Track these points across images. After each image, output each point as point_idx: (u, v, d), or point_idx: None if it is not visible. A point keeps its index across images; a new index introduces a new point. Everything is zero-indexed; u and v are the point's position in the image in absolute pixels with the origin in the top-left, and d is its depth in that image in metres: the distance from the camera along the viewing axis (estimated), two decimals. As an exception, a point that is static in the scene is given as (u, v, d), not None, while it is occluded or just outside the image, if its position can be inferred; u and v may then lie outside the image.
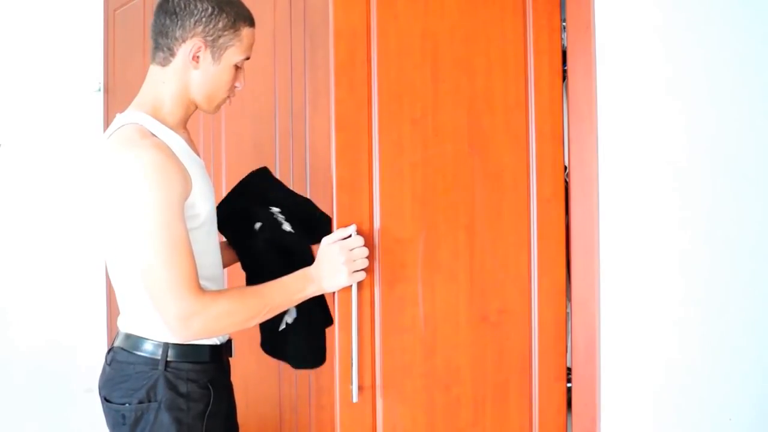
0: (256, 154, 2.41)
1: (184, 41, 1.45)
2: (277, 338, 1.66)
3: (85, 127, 3.11)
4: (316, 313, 1.63)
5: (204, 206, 1.44)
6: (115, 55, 3.07)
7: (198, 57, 1.46)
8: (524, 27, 1.59)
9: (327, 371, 1.81)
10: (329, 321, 1.64)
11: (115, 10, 3.06)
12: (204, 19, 1.44)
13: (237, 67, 1.51)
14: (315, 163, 2.20)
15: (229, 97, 1.54)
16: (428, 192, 1.51)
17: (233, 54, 1.48)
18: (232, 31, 1.47)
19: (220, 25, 1.45)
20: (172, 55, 1.46)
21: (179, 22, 1.44)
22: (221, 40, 1.46)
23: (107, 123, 3.08)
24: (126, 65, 2.98)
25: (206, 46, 1.45)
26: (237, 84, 1.53)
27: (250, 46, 1.52)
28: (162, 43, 1.46)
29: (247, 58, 1.52)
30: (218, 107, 1.55)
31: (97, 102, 3.13)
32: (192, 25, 1.44)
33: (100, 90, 3.13)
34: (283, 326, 1.65)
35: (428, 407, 1.52)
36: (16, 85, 3.02)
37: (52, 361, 3.03)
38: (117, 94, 3.04)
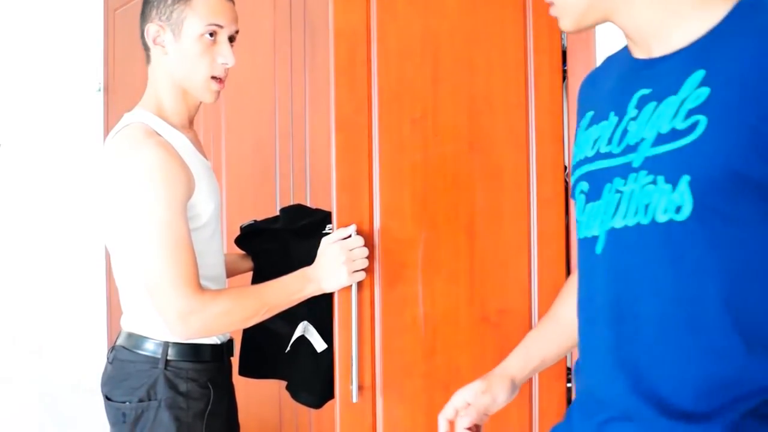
0: (256, 155, 2.41)
1: (147, 31, 1.46)
2: (278, 359, 1.67)
3: (85, 127, 3.11)
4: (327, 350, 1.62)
5: (207, 207, 1.45)
6: (115, 55, 3.07)
7: (160, 41, 1.46)
8: (524, 27, 1.59)
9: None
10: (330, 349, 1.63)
11: (115, 10, 3.06)
12: (155, 2, 1.45)
13: (210, 41, 1.44)
14: (315, 163, 2.20)
15: (217, 78, 1.47)
16: (428, 192, 1.51)
17: (192, 25, 1.43)
18: (182, 2, 1.43)
19: (169, 1, 1.44)
20: (147, 49, 1.48)
21: (143, 16, 1.48)
22: (174, 15, 1.44)
23: (107, 123, 3.08)
24: (126, 65, 2.98)
25: (163, 27, 1.45)
26: (220, 59, 1.45)
27: (212, 13, 1.43)
28: (142, 41, 1.49)
29: (220, 26, 1.44)
30: (211, 92, 1.48)
31: (97, 102, 3.13)
32: (149, 13, 1.46)
33: (100, 90, 3.13)
34: (288, 349, 1.65)
35: (428, 407, 1.52)
36: (17, 85, 3.02)
37: (53, 362, 3.03)
38: (117, 94, 3.04)
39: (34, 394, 3.00)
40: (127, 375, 1.46)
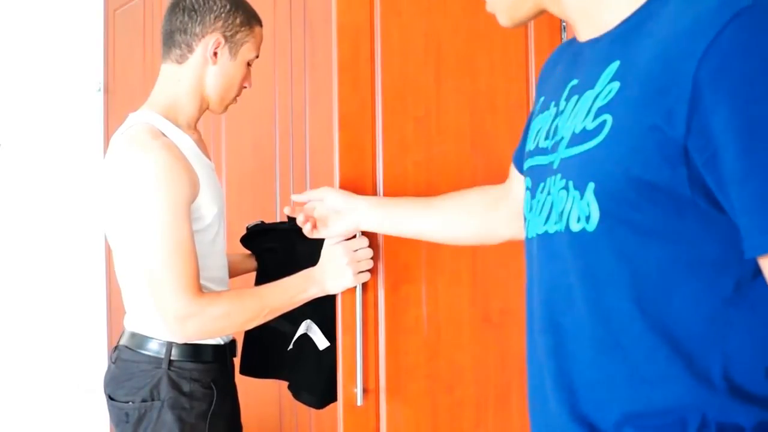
0: (256, 155, 2.41)
1: (203, 36, 1.47)
2: (280, 358, 1.66)
3: (85, 127, 3.10)
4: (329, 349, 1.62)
5: (211, 209, 1.45)
6: (115, 55, 3.07)
7: (217, 53, 1.49)
8: (525, 27, 1.59)
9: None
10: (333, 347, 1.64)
11: (115, 10, 3.06)
12: (223, 15, 1.47)
13: (247, 66, 1.54)
14: (315, 163, 2.20)
15: (237, 96, 1.57)
16: (431, 192, 1.50)
17: (248, 51, 1.52)
18: (247, 27, 1.50)
19: (238, 21, 1.49)
20: (190, 51, 1.48)
21: (199, 19, 1.47)
22: (238, 36, 1.49)
23: (107, 123, 3.08)
24: (126, 65, 2.98)
25: (225, 42, 1.48)
26: (245, 84, 1.56)
27: (260, 45, 1.55)
28: (179, 39, 1.48)
29: (257, 57, 1.56)
30: (226, 107, 1.57)
31: (97, 102, 3.13)
32: (212, 21, 1.47)
33: (100, 90, 3.13)
34: (291, 347, 1.64)
35: (431, 409, 1.51)
36: (17, 86, 3.02)
37: (53, 362, 3.03)
38: (117, 94, 3.04)
39: (34, 394, 3.00)
40: (130, 375, 1.46)
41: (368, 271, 1.43)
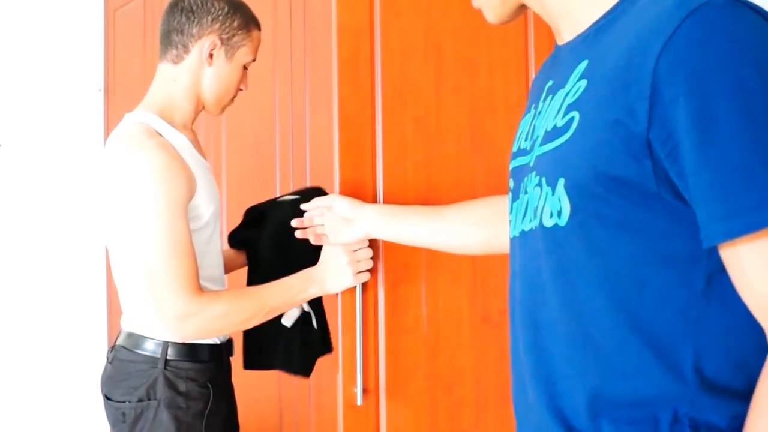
0: (256, 154, 2.41)
1: (200, 38, 1.48)
2: (269, 344, 1.67)
3: (85, 127, 3.11)
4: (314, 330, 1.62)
5: (207, 208, 1.45)
6: (116, 55, 3.07)
7: (212, 54, 1.49)
8: (525, 27, 1.59)
9: (326, 371, 1.80)
10: (327, 347, 1.64)
11: (115, 11, 3.06)
12: (221, 18, 1.48)
13: (244, 69, 1.55)
14: (315, 163, 2.20)
15: (233, 98, 1.57)
16: (431, 192, 1.50)
17: (244, 54, 1.52)
18: (244, 31, 1.51)
19: (235, 24, 1.49)
20: (186, 52, 1.48)
21: (196, 20, 1.48)
22: (235, 39, 1.50)
23: (107, 124, 3.08)
24: (126, 65, 2.98)
25: (222, 44, 1.49)
26: (242, 86, 1.57)
27: (257, 49, 1.56)
28: (176, 40, 1.48)
29: (253, 60, 1.57)
30: (223, 109, 1.58)
31: (97, 103, 3.13)
32: (209, 23, 1.48)
33: (100, 90, 3.13)
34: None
35: (431, 409, 1.51)
36: (17, 86, 3.02)
37: (52, 363, 3.03)
38: (117, 94, 3.04)
39: (34, 394, 3.00)
40: (126, 375, 1.46)
41: (368, 271, 1.43)
